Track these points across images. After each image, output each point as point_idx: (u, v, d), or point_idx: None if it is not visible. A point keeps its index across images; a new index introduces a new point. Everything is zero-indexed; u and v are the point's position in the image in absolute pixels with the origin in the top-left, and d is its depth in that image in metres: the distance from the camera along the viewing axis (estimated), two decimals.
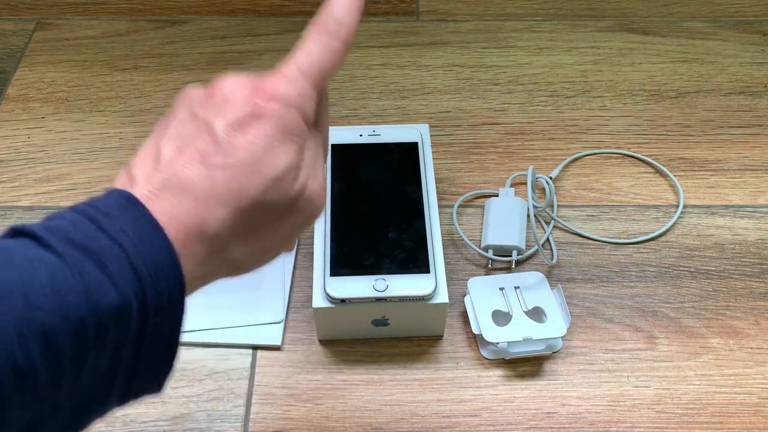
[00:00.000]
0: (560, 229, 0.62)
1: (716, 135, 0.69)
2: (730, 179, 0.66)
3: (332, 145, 0.59)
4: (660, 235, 0.62)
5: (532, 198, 0.59)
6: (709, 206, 0.64)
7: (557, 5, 0.82)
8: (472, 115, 0.71)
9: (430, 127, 0.63)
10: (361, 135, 0.60)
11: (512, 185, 0.64)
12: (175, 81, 0.74)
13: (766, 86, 0.74)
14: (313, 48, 0.36)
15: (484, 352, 0.54)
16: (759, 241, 0.61)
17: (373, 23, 0.80)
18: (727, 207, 0.64)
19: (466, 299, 0.56)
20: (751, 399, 0.52)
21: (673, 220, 0.62)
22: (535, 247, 0.60)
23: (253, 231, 0.32)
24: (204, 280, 0.32)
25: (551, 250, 0.60)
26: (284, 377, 0.53)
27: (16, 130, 0.69)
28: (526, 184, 0.64)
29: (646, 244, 0.61)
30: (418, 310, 0.52)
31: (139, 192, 0.30)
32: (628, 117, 0.71)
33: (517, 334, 0.52)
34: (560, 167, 0.66)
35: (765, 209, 0.64)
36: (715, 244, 0.61)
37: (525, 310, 0.54)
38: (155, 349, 0.29)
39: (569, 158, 0.67)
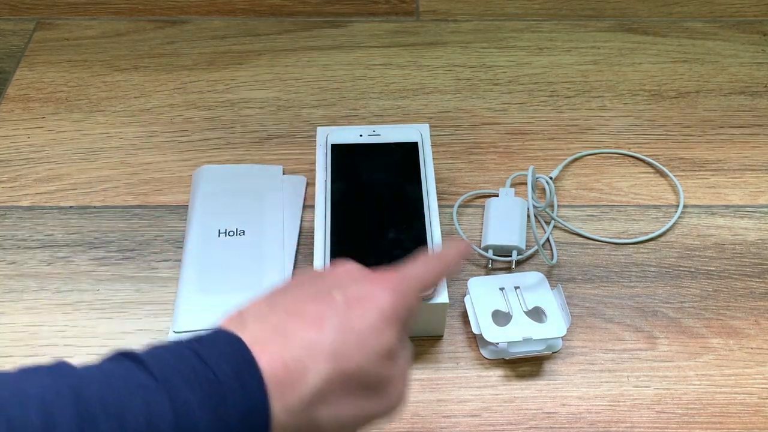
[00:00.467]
0: (560, 229, 0.62)
1: (716, 135, 0.69)
2: (731, 179, 0.66)
3: (332, 145, 0.59)
4: (660, 236, 0.62)
5: (532, 198, 0.59)
6: (709, 206, 0.64)
7: (557, 5, 0.82)
8: (472, 115, 0.71)
9: (430, 127, 0.63)
10: (361, 135, 0.60)
11: (512, 185, 0.64)
12: (175, 81, 0.74)
13: (766, 86, 0.74)
14: (424, 268, 0.39)
15: (484, 352, 0.54)
16: (759, 241, 0.61)
17: (373, 23, 0.80)
18: (727, 207, 0.64)
19: (466, 299, 0.55)
20: (751, 399, 0.52)
21: (673, 220, 0.62)
22: (536, 247, 0.60)
23: (343, 397, 0.33)
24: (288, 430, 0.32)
25: (551, 250, 0.60)
26: None
27: (16, 130, 0.69)
28: (526, 184, 0.64)
29: (647, 244, 0.61)
30: (418, 310, 0.52)
31: (249, 336, 0.32)
32: (628, 117, 0.71)
33: (517, 334, 0.52)
34: (560, 167, 0.66)
35: (765, 209, 0.64)
36: (715, 244, 0.61)
37: (525, 310, 0.54)
38: None
39: (569, 158, 0.67)
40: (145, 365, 0.29)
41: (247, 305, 0.35)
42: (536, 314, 0.55)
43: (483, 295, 0.55)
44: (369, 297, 0.35)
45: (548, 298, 0.55)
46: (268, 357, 0.31)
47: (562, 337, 0.54)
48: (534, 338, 0.52)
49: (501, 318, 0.54)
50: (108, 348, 0.55)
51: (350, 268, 0.37)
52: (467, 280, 0.57)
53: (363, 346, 0.33)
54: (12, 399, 0.26)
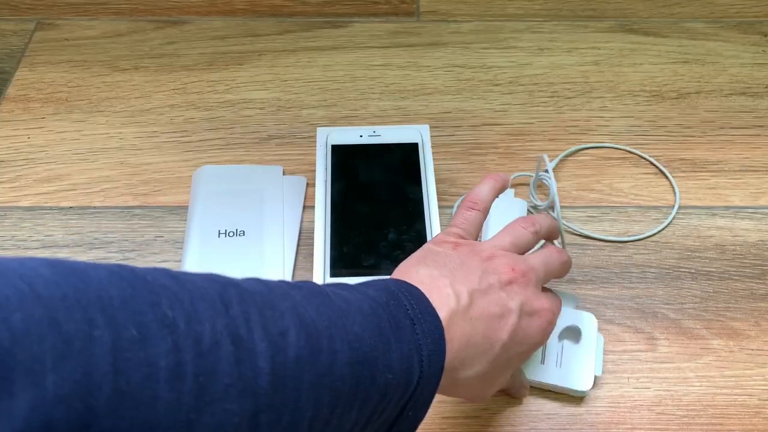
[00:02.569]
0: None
1: (717, 136, 0.69)
2: (731, 180, 0.66)
3: (332, 146, 0.59)
4: (655, 234, 0.61)
5: (533, 198, 0.59)
6: (709, 207, 0.64)
7: (558, 6, 0.82)
8: (473, 115, 0.71)
9: (431, 127, 0.63)
10: (361, 136, 0.60)
11: (513, 186, 0.64)
12: (175, 81, 0.74)
13: (766, 87, 0.73)
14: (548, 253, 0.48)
15: None
16: (760, 242, 0.61)
17: (373, 23, 0.80)
18: (727, 208, 0.64)
19: None
20: (752, 401, 0.52)
21: (669, 219, 0.62)
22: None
23: (481, 377, 0.40)
24: (445, 378, 0.38)
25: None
26: None
27: (16, 131, 0.69)
28: (526, 185, 0.64)
29: (647, 245, 0.61)
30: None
31: (446, 311, 0.38)
32: (628, 118, 0.71)
33: (545, 376, 0.51)
34: (557, 159, 0.66)
35: (766, 210, 0.63)
36: (715, 245, 0.61)
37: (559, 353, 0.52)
38: (408, 421, 0.36)
39: (565, 152, 0.67)
40: (390, 314, 0.36)
41: (448, 270, 0.40)
42: (573, 335, 0.53)
43: None
44: (542, 316, 0.42)
45: (589, 340, 0.53)
46: (456, 348, 0.38)
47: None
48: (556, 385, 0.51)
49: None
50: None
51: (535, 270, 0.44)
52: None
53: (511, 362, 0.41)
54: (325, 332, 0.32)
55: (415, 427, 0.36)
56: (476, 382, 0.40)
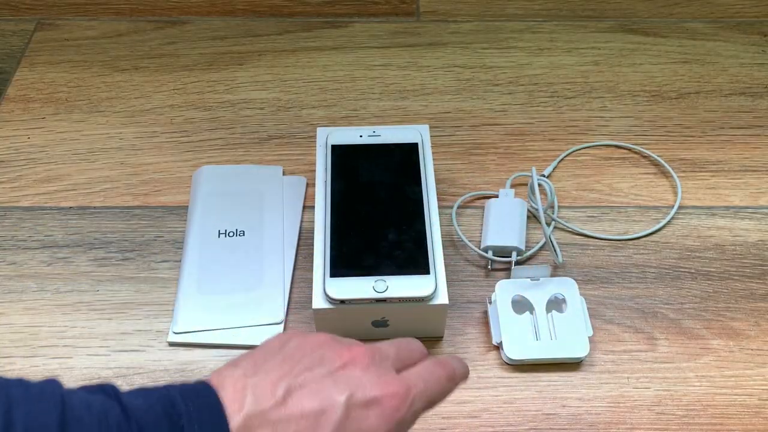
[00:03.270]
0: (560, 229, 0.62)
1: (717, 136, 0.69)
2: (731, 180, 0.66)
3: (332, 146, 0.59)
4: (655, 232, 0.61)
5: (532, 199, 0.59)
6: (709, 207, 0.64)
7: (558, 6, 0.82)
8: (473, 115, 0.71)
9: (431, 127, 0.63)
10: (361, 136, 0.60)
11: (512, 186, 0.64)
12: (175, 81, 0.74)
13: (766, 87, 0.73)
14: (439, 389, 0.37)
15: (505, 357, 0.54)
16: (759, 242, 0.61)
17: (373, 23, 0.80)
18: (727, 208, 0.64)
19: (491, 308, 0.56)
20: (752, 401, 0.52)
21: (669, 216, 0.62)
22: (536, 247, 0.60)
23: None
24: None
25: (554, 250, 0.60)
26: None
27: (16, 131, 0.69)
28: (526, 185, 0.64)
29: (647, 245, 0.61)
30: (418, 312, 0.52)
31: (234, 412, 0.31)
32: (628, 118, 0.71)
33: (542, 352, 0.53)
34: (554, 163, 0.66)
35: (765, 210, 0.63)
36: (715, 245, 0.61)
37: (551, 328, 0.54)
38: None
39: (563, 154, 0.67)
40: (124, 407, 0.30)
41: (255, 371, 0.33)
42: (556, 304, 0.55)
43: (508, 303, 0.55)
44: (381, 405, 0.33)
45: (575, 305, 0.55)
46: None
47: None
48: (557, 357, 0.53)
49: (518, 306, 0.55)
50: (107, 348, 0.55)
51: (372, 351, 0.35)
52: (469, 282, 0.57)
53: None
54: None
55: None
56: None
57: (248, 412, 0.31)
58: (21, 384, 0.29)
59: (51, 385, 0.29)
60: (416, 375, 0.36)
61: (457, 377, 0.39)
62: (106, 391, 0.31)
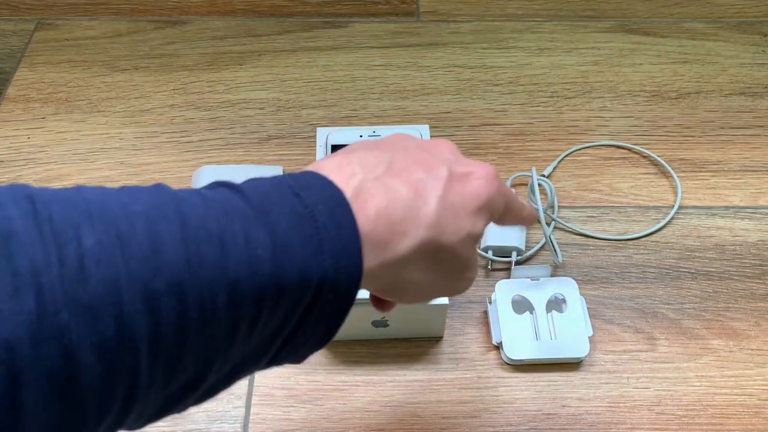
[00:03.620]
0: (560, 229, 0.62)
1: (717, 136, 0.69)
2: (731, 180, 0.66)
3: (332, 146, 0.59)
4: (655, 232, 0.62)
5: (532, 199, 0.59)
6: (709, 207, 0.64)
7: (558, 6, 0.82)
8: (473, 115, 0.71)
9: (431, 127, 0.63)
10: (361, 136, 0.60)
11: (512, 186, 0.64)
12: (175, 81, 0.74)
13: (766, 87, 0.73)
14: (515, 198, 0.40)
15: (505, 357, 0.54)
16: (759, 242, 0.61)
17: (373, 24, 0.80)
18: (727, 208, 0.64)
19: (491, 308, 0.56)
20: (751, 400, 0.52)
21: (669, 216, 0.62)
22: (536, 247, 0.60)
23: (430, 266, 0.34)
24: (374, 281, 0.33)
25: (554, 250, 0.60)
26: (284, 378, 0.53)
27: (17, 131, 0.69)
28: (526, 185, 0.64)
29: (647, 245, 0.61)
30: (418, 311, 0.52)
31: (352, 185, 0.32)
32: (628, 118, 0.71)
33: (542, 352, 0.53)
34: (554, 164, 0.66)
35: (765, 210, 0.63)
36: (715, 245, 0.61)
37: (551, 330, 0.54)
38: (314, 330, 0.31)
39: (563, 154, 0.67)
40: (244, 194, 0.30)
41: (354, 152, 0.35)
42: (556, 304, 0.55)
43: (508, 303, 0.55)
44: (472, 180, 0.35)
45: (575, 305, 0.55)
46: (374, 209, 0.31)
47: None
48: (556, 357, 0.53)
49: (518, 306, 0.55)
50: None
51: (451, 146, 0.37)
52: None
53: (458, 226, 0.33)
54: (120, 214, 0.26)
55: (340, 317, 0.31)
56: (427, 259, 0.33)
57: (360, 178, 0.32)
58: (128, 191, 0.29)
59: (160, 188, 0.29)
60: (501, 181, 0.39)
61: (528, 210, 0.41)
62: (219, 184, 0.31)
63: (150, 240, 0.26)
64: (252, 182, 0.31)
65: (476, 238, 0.35)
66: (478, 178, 0.35)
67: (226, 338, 0.28)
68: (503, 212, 0.38)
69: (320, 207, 0.30)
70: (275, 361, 0.31)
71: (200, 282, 0.26)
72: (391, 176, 0.33)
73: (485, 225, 0.35)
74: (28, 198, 0.25)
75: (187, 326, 0.26)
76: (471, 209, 0.34)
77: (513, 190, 0.40)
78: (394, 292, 0.35)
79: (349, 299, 0.31)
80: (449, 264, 0.34)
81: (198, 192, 0.29)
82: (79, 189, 0.27)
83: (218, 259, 0.27)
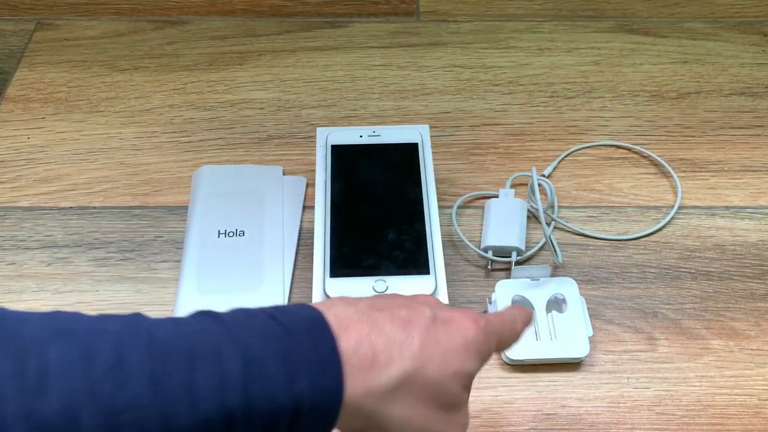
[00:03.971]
0: (560, 229, 0.62)
1: (717, 136, 0.69)
2: (731, 180, 0.65)
3: (332, 146, 0.59)
4: (655, 232, 0.62)
5: (532, 199, 0.59)
6: (709, 207, 0.64)
7: (558, 6, 0.82)
8: (473, 115, 0.71)
9: (430, 127, 0.63)
10: (361, 136, 0.60)
11: (512, 186, 0.64)
12: (175, 81, 0.74)
13: (766, 87, 0.73)
14: (504, 324, 0.39)
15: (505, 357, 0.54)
16: (760, 242, 0.61)
17: (373, 23, 0.80)
18: (727, 208, 0.64)
19: (491, 308, 0.56)
20: (752, 401, 0.52)
21: (669, 216, 0.62)
22: (536, 247, 0.60)
23: (417, 402, 0.33)
24: (355, 417, 0.31)
25: (555, 250, 0.60)
26: None
27: (16, 131, 0.69)
28: (526, 185, 0.64)
29: (647, 245, 0.61)
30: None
31: (335, 316, 0.31)
32: (628, 118, 0.71)
33: (542, 352, 0.53)
34: (554, 164, 0.66)
35: (766, 210, 0.63)
36: (715, 245, 0.61)
37: (551, 329, 0.54)
38: None
39: (563, 154, 0.67)
40: (220, 318, 0.30)
41: (337, 299, 0.35)
42: (556, 304, 0.55)
43: (508, 303, 0.55)
44: (457, 322, 0.35)
45: (575, 305, 0.55)
46: (356, 338, 0.31)
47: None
48: (557, 357, 0.53)
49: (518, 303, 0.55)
50: None
51: (435, 298, 0.38)
52: (469, 281, 0.57)
53: (445, 361, 0.33)
54: (89, 332, 0.26)
55: None
56: (413, 394, 0.32)
57: (343, 309, 0.32)
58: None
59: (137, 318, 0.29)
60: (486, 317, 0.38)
61: (521, 323, 0.40)
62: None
63: (115, 354, 0.25)
64: (233, 310, 0.31)
65: (466, 378, 0.34)
66: (463, 319, 0.35)
67: None
68: (499, 346, 0.38)
69: (297, 327, 0.29)
70: None
71: (163, 399, 0.25)
72: (374, 310, 0.33)
73: (476, 367, 0.35)
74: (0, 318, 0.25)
75: None
76: (457, 346, 0.34)
77: (507, 315, 0.40)
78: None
79: (330, 423, 0.29)
80: (437, 401, 0.33)
81: (173, 317, 0.29)
82: (54, 312, 0.27)
83: (184, 374, 0.26)
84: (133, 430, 0.25)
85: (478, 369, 0.35)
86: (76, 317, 0.27)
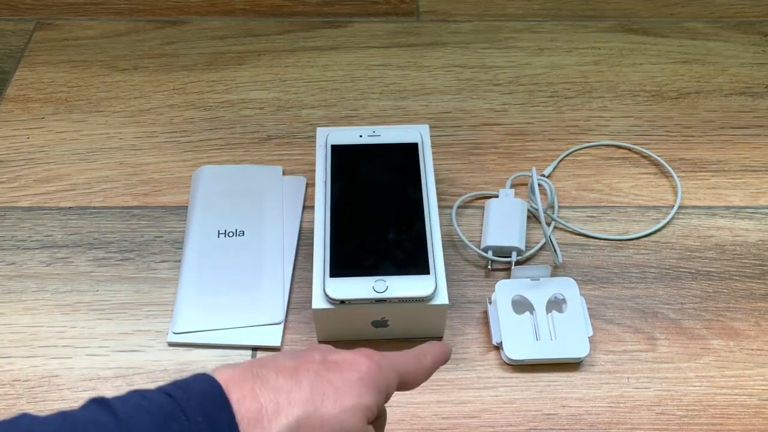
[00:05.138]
0: (560, 229, 0.62)
1: (717, 136, 0.69)
2: (731, 180, 0.65)
3: (332, 146, 0.59)
4: (655, 232, 0.61)
5: (532, 199, 0.59)
6: (709, 207, 0.64)
7: (558, 6, 0.82)
8: (473, 115, 0.71)
9: (430, 127, 0.63)
10: (361, 136, 0.60)
11: (512, 186, 0.64)
12: (175, 81, 0.74)
13: (766, 87, 0.73)
14: (407, 358, 0.39)
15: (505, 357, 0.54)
16: (760, 242, 0.61)
17: (373, 23, 0.80)
18: (727, 208, 0.64)
19: (491, 308, 0.56)
20: (752, 401, 0.52)
21: (669, 216, 0.62)
22: (536, 247, 0.60)
23: None
24: None
25: (554, 250, 0.60)
26: None
27: (16, 131, 0.69)
28: (526, 185, 0.64)
29: (647, 245, 0.61)
30: (418, 312, 0.52)
31: (221, 377, 0.32)
32: (628, 118, 0.71)
33: (542, 352, 0.53)
34: (554, 163, 0.66)
35: (765, 210, 0.63)
36: (715, 245, 0.61)
37: (551, 330, 0.54)
38: None
39: (563, 154, 0.67)
40: (111, 407, 0.29)
41: (222, 366, 0.35)
42: (556, 304, 0.55)
43: (508, 303, 0.55)
44: (348, 362, 0.35)
45: (575, 305, 0.55)
46: (240, 394, 0.31)
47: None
48: (557, 357, 0.53)
49: (518, 306, 0.55)
50: (107, 348, 0.55)
51: (330, 346, 0.38)
52: (469, 281, 0.56)
53: (339, 398, 0.33)
54: None
55: None
56: None
57: (231, 372, 0.32)
58: None
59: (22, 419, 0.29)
60: (384, 353, 0.38)
61: (431, 358, 0.40)
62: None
63: None
64: (129, 394, 0.31)
65: (365, 410, 0.34)
66: (355, 357, 0.35)
67: None
68: (405, 380, 0.38)
69: (194, 404, 0.30)
70: None
71: None
72: (259, 367, 0.33)
73: (375, 400, 0.35)
74: None
75: None
76: (351, 382, 0.34)
77: (412, 351, 0.40)
78: None
79: None
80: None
81: (62, 413, 0.29)
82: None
83: None
84: None
85: (377, 402, 0.35)
86: None
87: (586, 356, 0.53)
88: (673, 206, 0.63)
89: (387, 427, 0.51)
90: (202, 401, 0.30)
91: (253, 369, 0.33)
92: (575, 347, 0.53)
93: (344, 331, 0.54)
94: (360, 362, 0.35)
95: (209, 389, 0.31)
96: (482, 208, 0.63)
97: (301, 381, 0.33)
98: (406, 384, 0.38)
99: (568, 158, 0.67)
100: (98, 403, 0.30)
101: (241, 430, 0.30)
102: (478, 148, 0.68)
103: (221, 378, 0.32)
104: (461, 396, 0.52)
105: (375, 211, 0.55)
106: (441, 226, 0.55)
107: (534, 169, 0.58)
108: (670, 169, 0.66)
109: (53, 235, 0.61)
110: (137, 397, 0.31)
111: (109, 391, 0.52)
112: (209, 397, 0.31)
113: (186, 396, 0.30)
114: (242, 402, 0.31)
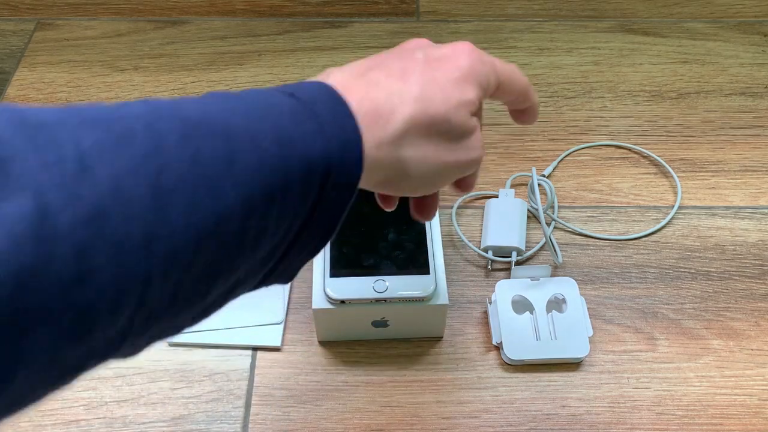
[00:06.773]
0: (560, 229, 0.62)
1: (717, 136, 0.69)
2: (731, 180, 0.65)
3: None
4: (655, 232, 0.62)
5: (532, 199, 0.59)
6: (709, 207, 0.64)
7: (558, 6, 0.82)
8: None
9: None
10: None
11: (512, 186, 0.64)
12: (175, 81, 0.74)
13: (766, 87, 0.73)
14: (505, 64, 0.41)
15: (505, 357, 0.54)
16: (759, 242, 0.61)
17: (373, 23, 0.80)
18: (727, 208, 0.64)
19: (491, 308, 0.56)
20: (752, 401, 0.52)
21: (669, 216, 0.62)
22: (536, 247, 0.60)
23: (428, 141, 0.35)
24: (375, 170, 0.33)
25: (554, 250, 0.60)
26: (284, 378, 0.53)
27: None
28: (526, 185, 0.64)
29: (647, 245, 0.61)
30: (417, 311, 0.52)
31: (334, 81, 0.33)
32: (628, 118, 0.71)
33: (542, 353, 0.53)
34: (554, 163, 0.66)
35: (765, 210, 0.63)
36: (715, 245, 0.61)
37: (551, 330, 0.54)
38: (314, 233, 0.31)
39: (563, 154, 0.67)
40: (239, 96, 0.31)
41: (329, 69, 0.36)
42: (556, 304, 0.55)
43: (508, 303, 0.55)
44: (449, 57, 0.36)
45: (575, 305, 0.55)
46: (356, 96, 0.32)
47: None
48: (556, 358, 0.53)
49: (518, 306, 0.55)
50: None
51: (425, 40, 0.38)
52: (464, 283, 0.56)
53: (446, 97, 0.34)
54: (116, 118, 0.25)
55: (340, 212, 0.31)
56: (422, 134, 0.34)
57: (340, 76, 0.34)
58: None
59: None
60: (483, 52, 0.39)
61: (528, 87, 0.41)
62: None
63: (151, 138, 0.25)
64: (244, 91, 0.32)
65: (470, 106, 0.35)
66: (455, 51, 0.36)
67: (237, 243, 0.27)
68: (500, 82, 0.39)
69: (318, 101, 0.31)
70: (270, 276, 0.32)
71: (208, 179, 0.25)
72: (368, 70, 0.34)
73: (477, 94, 0.36)
74: (15, 110, 0.24)
75: (196, 225, 0.25)
76: (455, 79, 0.35)
77: (513, 65, 0.41)
78: (399, 180, 0.35)
79: (351, 190, 0.31)
80: (447, 135, 0.35)
81: (190, 98, 0.29)
82: (68, 105, 0.26)
83: (225, 154, 0.26)
84: (180, 208, 0.25)
85: (480, 96, 0.37)
86: (96, 106, 0.26)
87: (586, 356, 0.53)
88: (673, 206, 0.63)
89: (387, 428, 0.51)
90: (327, 104, 0.31)
91: (365, 72, 0.34)
92: (575, 347, 0.53)
93: (344, 331, 0.54)
94: (462, 59, 0.36)
95: (324, 90, 0.32)
96: (482, 208, 0.63)
97: (410, 82, 0.34)
98: (505, 87, 0.39)
99: (568, 158, 0.67)
100: (221, 94, 0.31)
101: (362, 128, 0.31)
102: None
103: (335, 82, 0.33)
104: (461, 396, 0.52)
105: (375, 211, 0.55)
106: (441, 225, 0.55)
107: (534, 169, 0.58)
108: (670, 169, 0.66)
109: None
110: (255, 92, 0.32)
111: (109, 390, 0.52)
112: (326, 95, 0.32)
113: (311, 98, 0.31)
114: (361, 103, 0.32)
